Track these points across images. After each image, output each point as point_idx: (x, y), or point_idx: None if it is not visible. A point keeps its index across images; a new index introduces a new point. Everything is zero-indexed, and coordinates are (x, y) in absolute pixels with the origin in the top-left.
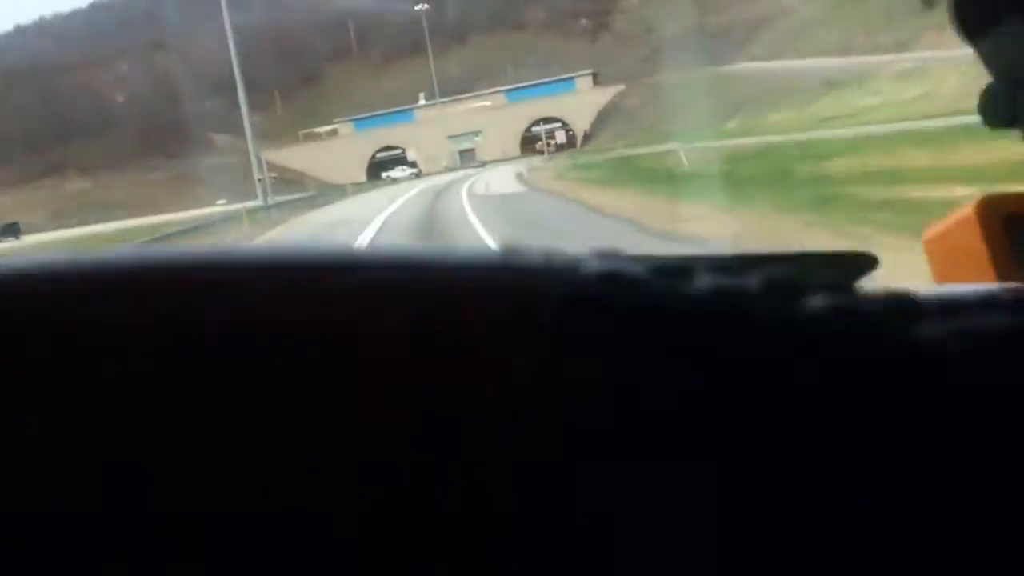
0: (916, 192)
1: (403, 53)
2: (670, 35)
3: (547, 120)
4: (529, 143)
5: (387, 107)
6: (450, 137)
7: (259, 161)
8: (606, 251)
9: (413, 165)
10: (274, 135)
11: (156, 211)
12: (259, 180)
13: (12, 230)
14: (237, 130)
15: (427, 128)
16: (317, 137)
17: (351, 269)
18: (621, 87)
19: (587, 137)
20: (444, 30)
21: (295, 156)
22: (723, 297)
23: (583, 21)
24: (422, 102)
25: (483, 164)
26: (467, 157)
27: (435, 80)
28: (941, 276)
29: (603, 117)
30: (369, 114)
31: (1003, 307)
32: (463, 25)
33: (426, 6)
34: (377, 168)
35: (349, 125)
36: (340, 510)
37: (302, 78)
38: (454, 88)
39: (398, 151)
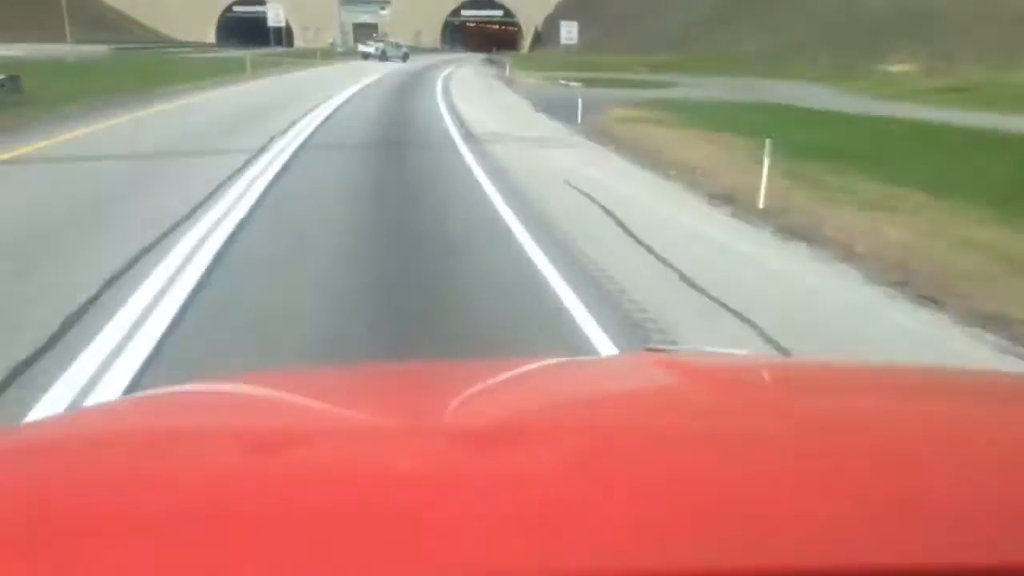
0: None
1: None
2: None
3: (483, 3)
4: (456, 34)
5: None
6: (344, 2)
7: None
8: None
9: (377, 42)
10: None
11: None
12: None
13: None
14: None
15: None
16: None
17: None
18: None
19: (538, 38)
20: None
21: None
22: None
23: None
24: None
25: (396, 54)
26: (363, 34)
27: None
28: None
29: (565, 14)
30: None
31: None
32: None
33: None
34: (224, 29)
35: None
36: None
37: None
38: None
39: (259, 8)
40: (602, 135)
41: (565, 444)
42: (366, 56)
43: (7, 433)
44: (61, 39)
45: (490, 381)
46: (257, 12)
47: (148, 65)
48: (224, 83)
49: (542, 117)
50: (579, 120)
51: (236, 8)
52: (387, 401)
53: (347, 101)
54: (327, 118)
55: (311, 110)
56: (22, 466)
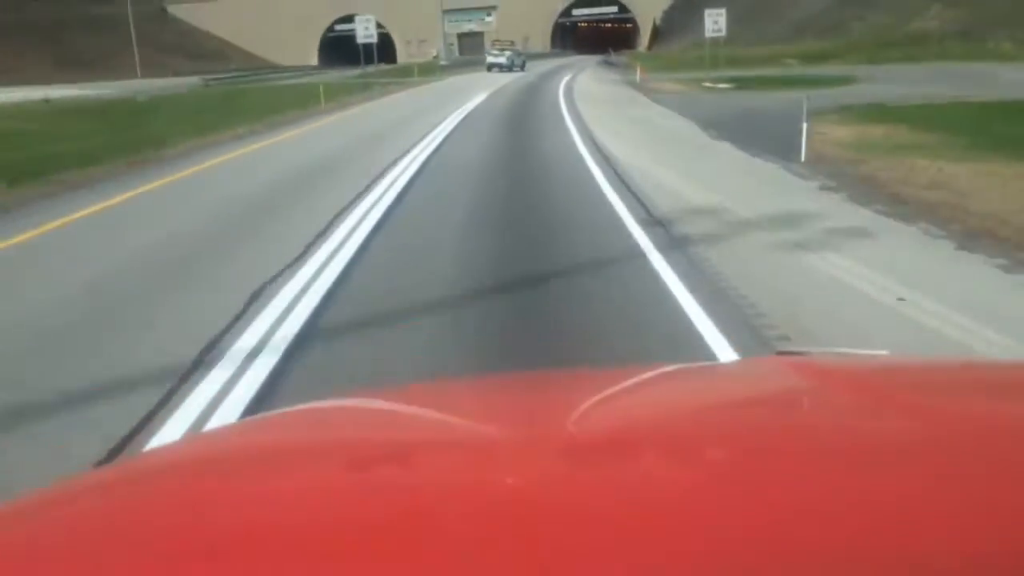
0: None
1: None
2: None
3: (593, 0)
4: (567, 35)
5: None
6: (447, 12)
7: None
8: None
9: (505, 49)
10: None
11: None
12: None
13: None
14: None
15: None
16: None
17: None
18: None
19: (656, 34)
20: None
21: (219, 16)
22: None
23: None
24: None
25: (518, 63)
26: (469, 44)
27: None
28: None
29: (687, 4)
30: None
31: None
32: None
33: None
34: (329, 49)
35: None
36: None
37: None
38: None
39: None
40: (866, 186)
41: (705, 455)
42: (493, 67)
43: (152, 454)
44: (161, 73)
45: (613, 389)
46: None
47: (217, 101)
48: (284, 124)
49: (728, 149)
50: (801, 154)
51: (337, 27)
52: (507, 413)
53: (424, 166)
54: (393, 204)
55: (365, 192)
56: (160, 485)
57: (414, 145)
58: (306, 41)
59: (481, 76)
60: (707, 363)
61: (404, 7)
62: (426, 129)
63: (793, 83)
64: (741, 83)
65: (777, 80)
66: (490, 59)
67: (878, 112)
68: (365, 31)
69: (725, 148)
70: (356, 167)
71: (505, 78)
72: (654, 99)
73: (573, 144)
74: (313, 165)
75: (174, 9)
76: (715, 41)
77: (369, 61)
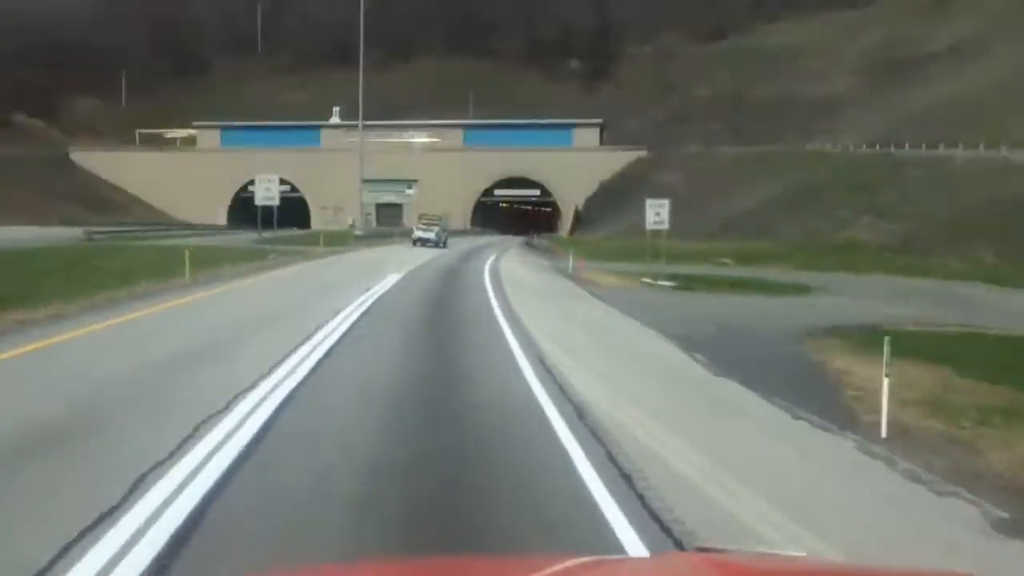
0: None
1: (324, 59)
2: (700, 99)
3: (518, 182)
4: (488, 215)
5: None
6: (367, 182)
7: None
8: None
9: (433, 224)
10: (109, 131)
11: None
12: None
13: None
14: (52, 115)
15: (336, 161)
16: (167, 145)
17: None
18: (642, 153)
19: (578, 219)
20: (384, 42)
21: (126, 167)
22: None
23: (573, 63)
24: (335, 119)
25: (443, 238)
26: (387, 216)
27: (362, 96)
28: None
29: (610, 193)
30: (248, 123)
31: None
32: (411, 39)
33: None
34: (240, 208)
35: (213, 134)
36: None
37: (177, 64)
38: (388, 114)
39: (285, 188)
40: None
41: None
42: (419, 242)
43: None
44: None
45: None
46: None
47: (70, 260)
48: (111, 305)
49: (745, 397)
50: (881, 428)
51: (251, 187)
52: None
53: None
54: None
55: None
56: None
57: (290, 354)
58: (216, 199)
59: (396, 250)
60: (627, 557)
61: (322, 172)
62: (312, 323)
63: (741, 286)
64: (683, 282)
65: (722, 281)
66: (418, 232)
67: (893, 343)
68: (266, 192)
69: (739, 395)
70: (165, 423)
71: (423, 255)
72: (595, 294)
73: (515, 368)
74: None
75: (79, 157)
76: (656, 233)
77: (268, 225)
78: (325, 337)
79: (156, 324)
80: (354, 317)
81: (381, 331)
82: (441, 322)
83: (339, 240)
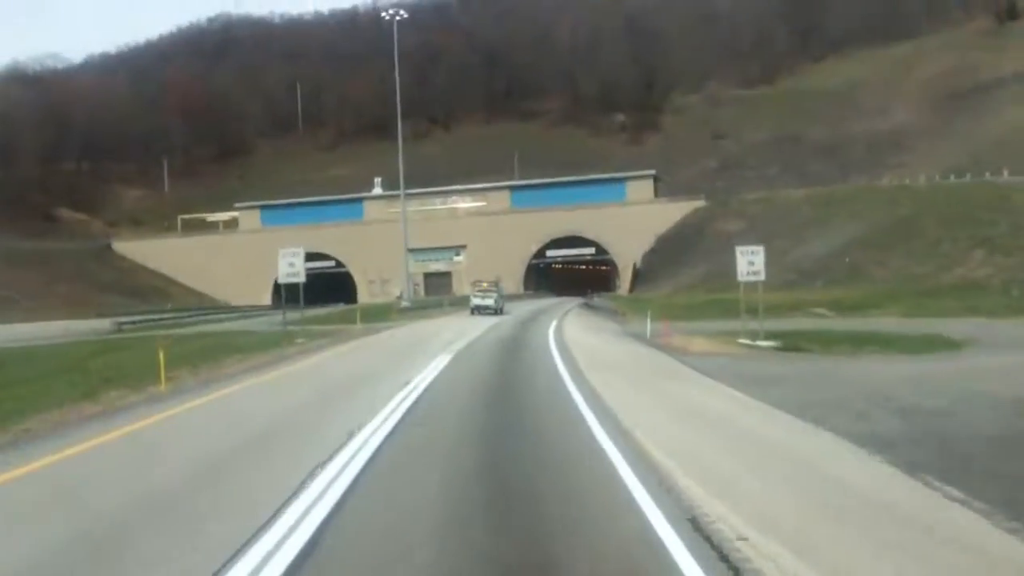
0: None
1: (364, 133)
2: (754, 144)
3: (570, 241)
4: (540, 276)
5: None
6: (413, 251)
7: None
8: None
9: (491, 290)
10: (152, 219)
11: None
12: None
13: None
14: (95, 207)
15: (380, 232)
16: (209, 229)
17: None
18: (700, 202)
19: (637, 276)
20: (424, 110)
21: (168, 253)
22: None
23: (619, 117)
24: (378, 190)
25: (498, 305)
26: (436, 284)
27: (402, 165)
28: None
29: (668, 247)
30: (289, 200)
31: None
32: (451, 106)
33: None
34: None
35: (254, 214)
36: None
37: (219, 149)
38: (431, 183)
39: (330, 264)
40: None
41: None
42: (477, 310)
43: None
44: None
45: None
46: (325, 267)
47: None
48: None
49: None
50: None
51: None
52: None
53: None
54: None
55: None
56: None
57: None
58: (260, 280)
59: (445, 321)
60: None
61: (366, 245)
62: (302, 468)
63: (862, 343)
64: (787, 340)
65: (835, 338)
66: (476, 301)
67: None
68: (289, 268)
69: None
70: None
71: (476, 327)
72: (692, 365)
73: (650, 544)
74: None
75: (121, 247)
76: (751, 286)
77: (296, 301)
78: (318, 498)
79: (51, 485)
80: (376, 441)
81: (415, 468)
82: (505, 434)
83: (381, 315)
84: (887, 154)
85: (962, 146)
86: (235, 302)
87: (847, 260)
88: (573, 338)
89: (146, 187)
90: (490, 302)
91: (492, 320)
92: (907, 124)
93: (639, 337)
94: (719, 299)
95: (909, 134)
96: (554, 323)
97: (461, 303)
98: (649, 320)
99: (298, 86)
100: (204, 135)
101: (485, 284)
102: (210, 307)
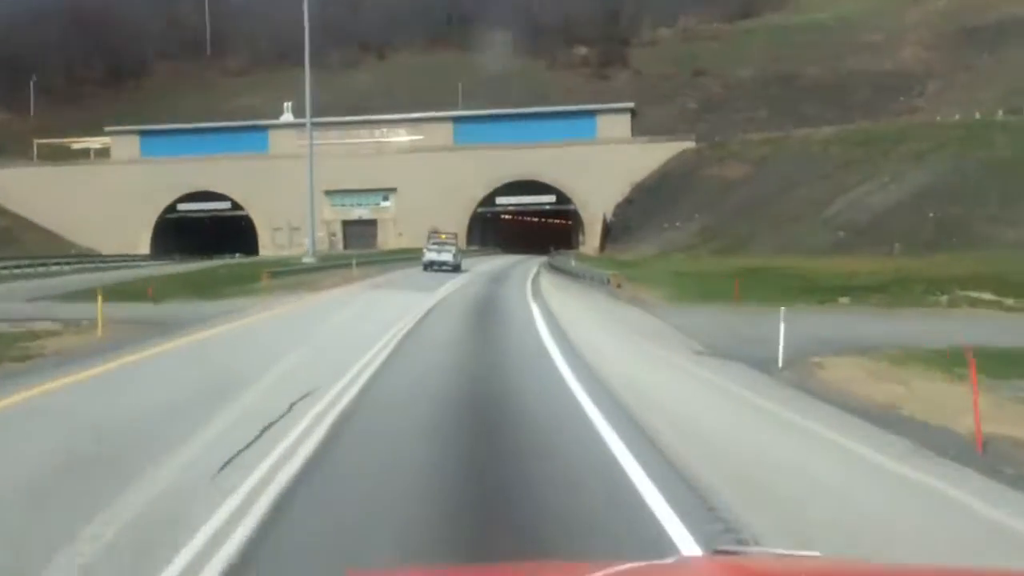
0: None
1: (281, 60)
2: (735, 83)
3: (525, 186)
4: (487, 229)
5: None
6: (331, 194)
7: None
8: None
9: (449, 242)
10: (19, 149)
11: None
12: None
13: None
14: None
15: (287, 169)
16: (77, 158)
17: None
18: (690, 143)
19: (608, 231)
20: (355, 36)
21: (15, 185)
22: None
23: (582, 50)
24: (287, 117)
25: (456, 261)
26: (358, 235)
27: (311, 92)
28: None
29: (646, 196)
30: (175, 126)
31: None
32: (386, 33)
33: None
34: (169, 232)
35: (131, 141)
36: None
37: (109, 71)
38: (359, 113)
39: (225, 205)
40: None
41: None
42: (432, 265)
43: None
44: None
45: None
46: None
47: None
48: None
49: None
50: None
51: (181, 206)
52: None
53: None
54: None
55: None
56: None
57: None
58: (137, 222)
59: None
60: (646, 562)
61: (271, 184)
62: None
63: None
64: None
65: None
66: (430, 255)
67: None
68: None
69: None
70: None
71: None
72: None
73: None
74: None
75: None
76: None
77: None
78: None
79: None
80: None
81: None
82: None
83: (246, 279)
84: (895, 94)
85: (987, 86)
86: (103, 249)
87: (931, 215)
88: (584, 339)
89: (13, 111)
90: (447, 257)
91: (445, 286)
92: (915, 63)
93: (758, 364)
94: (752, 268)
95: (918, 73)
96: (526, 286)
97: (383, 262)
98: (782, 331)
99: (206, 2)
100: (92, 53)
101: (443, 235)
102: (64, 256)
